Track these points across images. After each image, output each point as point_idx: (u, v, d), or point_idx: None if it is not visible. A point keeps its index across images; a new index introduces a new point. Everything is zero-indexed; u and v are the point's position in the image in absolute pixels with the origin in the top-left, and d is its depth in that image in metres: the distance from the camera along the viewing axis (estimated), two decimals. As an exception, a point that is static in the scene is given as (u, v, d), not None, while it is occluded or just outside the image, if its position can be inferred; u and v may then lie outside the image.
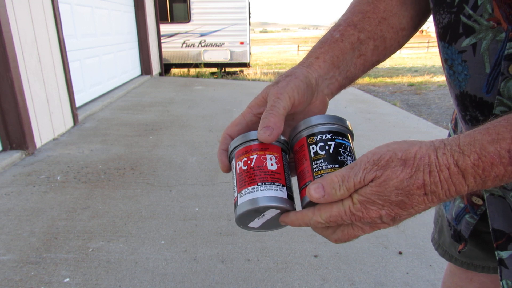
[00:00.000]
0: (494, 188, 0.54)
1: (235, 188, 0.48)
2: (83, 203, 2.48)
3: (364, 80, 9.94)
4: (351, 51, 0.56)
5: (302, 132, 0.48)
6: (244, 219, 0.48)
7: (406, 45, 0.63)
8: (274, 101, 0.48)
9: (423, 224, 2.19)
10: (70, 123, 4.14)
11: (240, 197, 0.47)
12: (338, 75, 0.56)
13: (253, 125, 0.52)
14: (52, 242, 2.04)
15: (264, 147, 0.49)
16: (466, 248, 0.70)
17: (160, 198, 2.56)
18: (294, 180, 0.50)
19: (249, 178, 0.47)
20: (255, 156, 0.48)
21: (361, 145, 3.69)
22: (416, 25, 0.62)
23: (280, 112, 0.48)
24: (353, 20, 0.58)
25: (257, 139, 0.49)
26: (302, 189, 0.47)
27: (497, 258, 0.56)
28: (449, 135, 0.74)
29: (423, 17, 0.62)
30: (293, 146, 0.50)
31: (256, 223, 0.49)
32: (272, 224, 0.50)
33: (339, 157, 0.45)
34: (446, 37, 0.52)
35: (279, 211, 0.47)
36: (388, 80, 10.12)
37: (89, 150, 3.47)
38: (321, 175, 0.44)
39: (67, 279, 1.76)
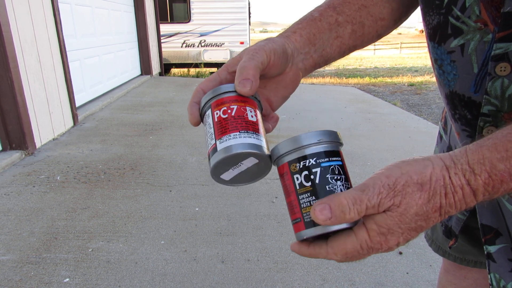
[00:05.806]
0: None
1: (213, 136, 0.47)
2: (83, 203, 2.48)
3: (364, 80, 9.95)
4: (328, 31, 0.58)
5: (284, 157, 0.45)
6: (220, 168, 0.46)
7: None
8: (252, 55, 0.48)
9: (423, 224, 2.19)
10: (70, 123, 4.14)
11: (220, 143, 0.45)
12: (313, 52, 0.57)
13: (227, 83, 0.52)
14: (52, 242, 2.04)
15: (243, 99, 0.49)
16: (457, 243, 0.72)
17: (160, 198, 2.56)
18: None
19: (231, 125, 0.46)
20: (235, 107, 0.47)
21: (361, 145, 3.69)
22: (397, 18, 0.63)
23: (257, 65, 0.48)
24: (334, 3, 0.59)
25: (235, 91, 0.48)
26: (293, 223, 0.44)
27: (485, 252, 0.57)
28: (439, 133, 0.76)
29: (406, 12, 0.64)
30: (277, 167, 0.47)
31: (229, 174, 0.48)
32: (243, 178, 0.49)
33: (327, 186, 0.42)
34: (435, 37, 0.53)
35: (258, 161, 0.46)
36: (388, 80, 10.12)
37: (89, 150, 3.47)
38: (309, 212, 0.42)
39: (67, 279, 1.76)
